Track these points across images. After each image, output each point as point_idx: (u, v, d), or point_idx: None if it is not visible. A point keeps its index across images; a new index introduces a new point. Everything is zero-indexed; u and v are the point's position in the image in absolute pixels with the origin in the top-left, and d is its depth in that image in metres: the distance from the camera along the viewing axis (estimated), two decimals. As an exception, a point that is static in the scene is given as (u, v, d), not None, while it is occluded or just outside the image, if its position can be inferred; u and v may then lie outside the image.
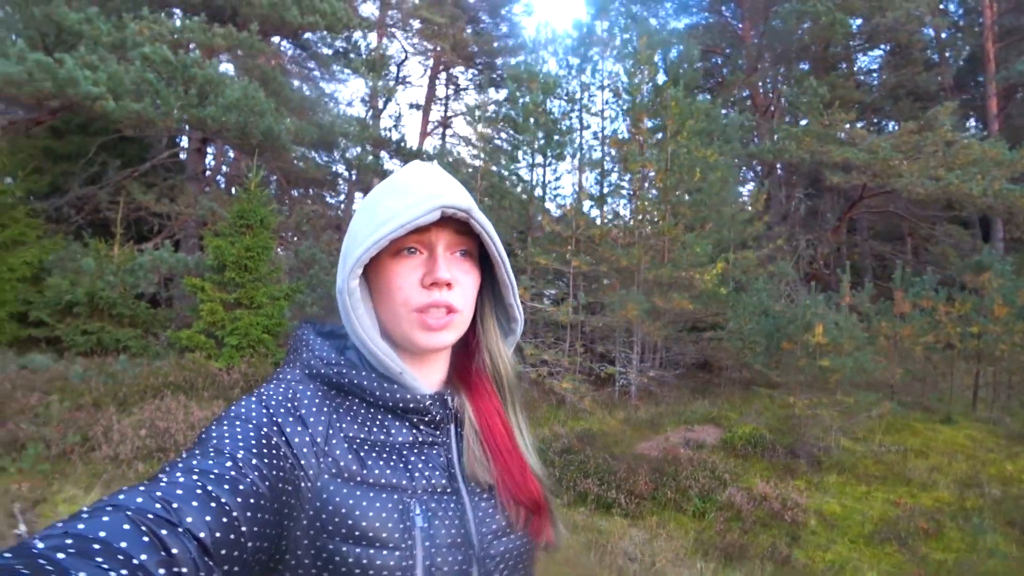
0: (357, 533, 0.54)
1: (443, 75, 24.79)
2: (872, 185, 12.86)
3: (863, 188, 14.12)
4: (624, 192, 7.96)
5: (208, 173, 13.22)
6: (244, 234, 7.42)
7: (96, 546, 0.36)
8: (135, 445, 3.93)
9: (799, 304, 6.63)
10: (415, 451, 0.62)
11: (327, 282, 9.13)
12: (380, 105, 18.16)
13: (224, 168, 14.79)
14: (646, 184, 7.59)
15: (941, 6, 18.45)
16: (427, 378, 0.66)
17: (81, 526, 0.38)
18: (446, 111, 25.97)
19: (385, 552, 0.54)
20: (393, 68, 23.14)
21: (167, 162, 12.01)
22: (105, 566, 0.35)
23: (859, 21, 17.13)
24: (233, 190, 12.10)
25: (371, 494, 0.56)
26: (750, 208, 10.56)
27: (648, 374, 7.01)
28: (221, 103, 7.79)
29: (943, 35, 18.79)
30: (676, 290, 6.43)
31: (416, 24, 20.18)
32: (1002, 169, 11.66)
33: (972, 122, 19.27)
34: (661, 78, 8.44)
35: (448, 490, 0.61)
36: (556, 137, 8.07)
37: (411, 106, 23.13)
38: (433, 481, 0.60)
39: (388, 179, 0.67)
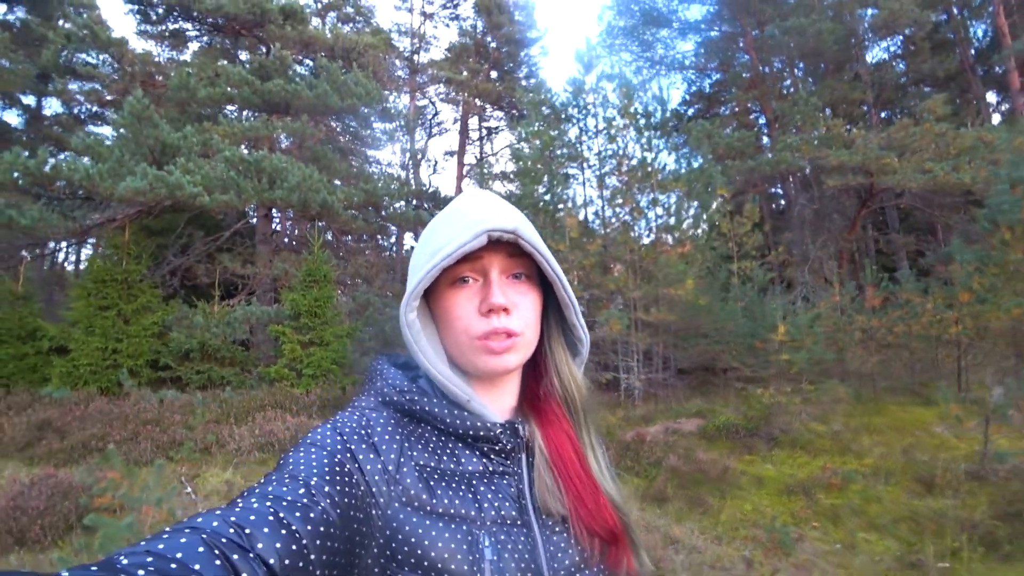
0: (426, 563, 0.54)
1: (475, 119, 27.09)
2: (867, 183, 13.65)
3: (871, 186, 14.87)
4: (614, 227, 9.37)
5: (275, 235, 15.57)
6: (312, 288, 9.37)
7: (173, 566, 0.38)
8: (250, 442, 5.70)
9: (767, 307, 7.84)
10: (485, 481, 0.61)
11: (381, 320, 10.94)
12: (418, 158, 20.41)
13: (288, 229, 17.21)
14: (631, 218, 9.00)
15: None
16: (496, 404, 0.66)
17: (161, 546, 0.40)
18: (481, 152, 28.17)
19: None
20: (427, 119, 25.60)
21: (241, 228, 14.41)
22: None
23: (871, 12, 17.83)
24: (299, 249, 14.30)
25: (440, 524, 0.56)
26: (746, 220, 11.68)
27: (641, 377, 8.32)
28: (286, 186, 9.86)
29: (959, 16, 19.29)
30: (657, 305, 7.78)
31: (440, 85, 22.53)
32: (998, 153, 12.32)
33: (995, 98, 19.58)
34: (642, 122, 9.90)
35: (519, 522, 0.60)
36: (556, 185, 9.64)
37: (446, 154, 25.41)
38: (503, 512, 0.59)
39: (444, 210, 0.68)
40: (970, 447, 5.59)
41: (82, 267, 17.51)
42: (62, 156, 11.23)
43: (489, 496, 0.60)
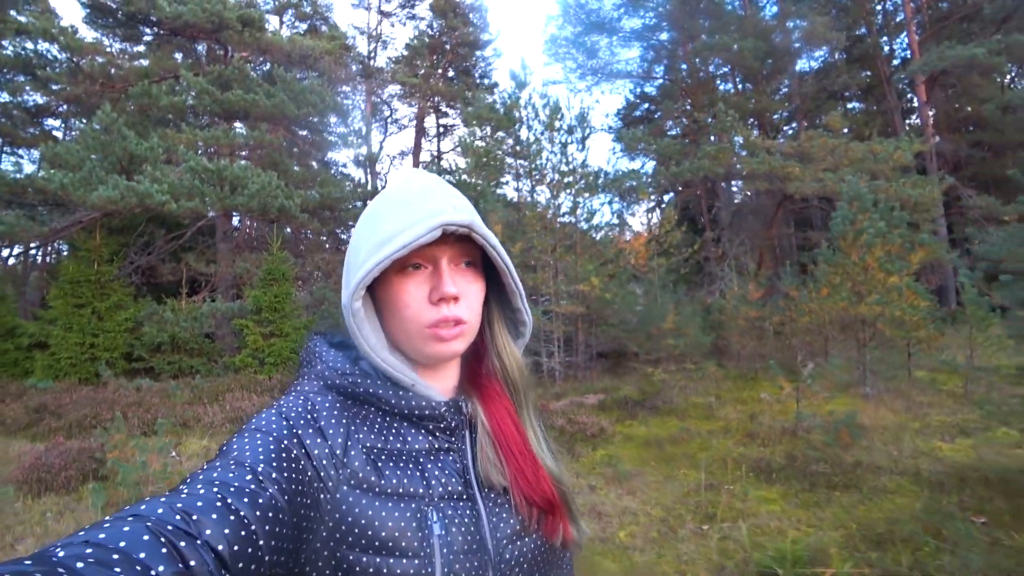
0: (376, 543, 0.55)
1: (432, 116, 28.13)
2: (772, 188, 15.45)
3: (781, 190, 16.69)
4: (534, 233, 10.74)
5: (236, 232, 16.42)
6: (272, 285, 10.48)
7: (115, 556, 0.36)
8: (221, 418, 6.88)
9: (661, 299, 9.38)
10: (431, 458, 0.63)
11: (336, 314, 12.08)
12: (374, 159, 21.41)
13: (248, 227, 18.03)
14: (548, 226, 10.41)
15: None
16: (439, 385, 0.67)
17: (102, 535, 0.38)
18: (439, 148, 29.20)
19: (404, 561, 0.55)
20: (384, 119, 26.49)
21: (203, 226, 15.24)
22: None
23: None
24: (259, 248, 15.25)
25: (389, 504, 0.57)
26: (664, 222, 13.27)
27: (560, 360, 9.78)
28: (247, 193, 10.88)
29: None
30: (569, 298, 9.22)
31: (396, 86, 23.51)
32: (883, 164, 14.25)
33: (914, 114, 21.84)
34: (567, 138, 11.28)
35: (464, 496, 0.62)
36: (490, 189, 10.95)
37: (400, 153, 26.41)
38: (449, 488, 0.61)
39: (387, 192, 0.67)
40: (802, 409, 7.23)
41: (47, 266, 17.95)
42: (21, 160, 11.85)
43: (436, 473, 0.61)
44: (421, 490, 0.60)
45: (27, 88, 17.72)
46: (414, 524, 0.57)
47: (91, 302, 9.87)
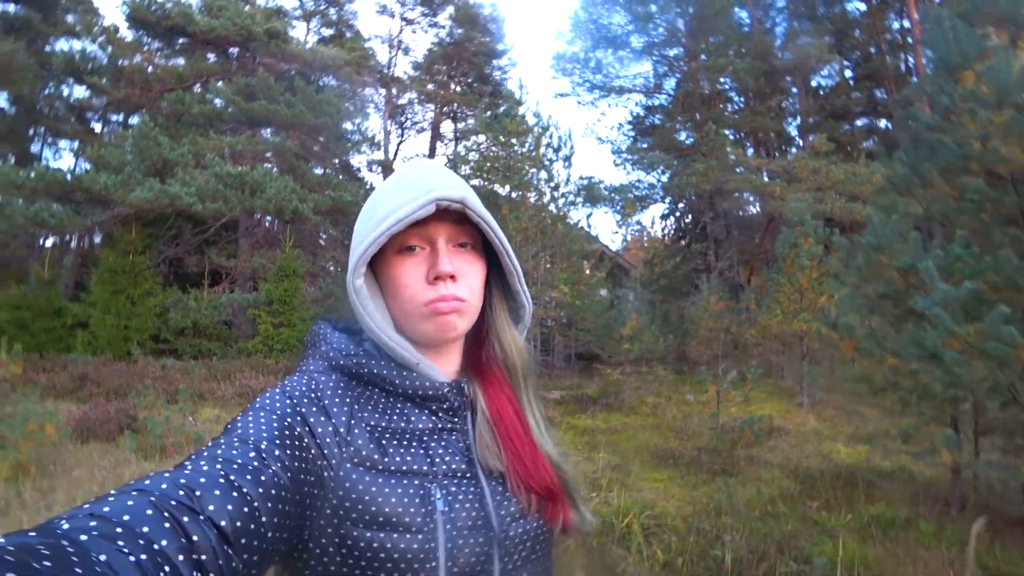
0: (380, 519, 0.56)
1: (449, 120, 29.35)
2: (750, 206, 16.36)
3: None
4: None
5: (256, 228, 17.83)
6: (283, 281, 11.78)
7: (119, 529, 0.37)
8: (231, 392, 8.16)
9: (623, 308, 10.44)
10: (435, 437, 0.63)
11: (341, 308, 13.32)
12: (388, 164, 22.71)
13: (268, 223, 19.45)
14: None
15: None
16: (442, 368, 0.68)
17: (106, 509, 0.39)
18: (455, 153, 30.40)
19: (408, 536, 0.56)
20: (402, 124, 27.78)
21: (227, 222, 16.66)
22: (126, 550, 0.36)
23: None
24: (276, 244, 16.62)
25: (392, 480, 0.58)
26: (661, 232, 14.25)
27: (536, 359, 10.88)
28: (265, 196, 12.19)
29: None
30: (543, 305, 10.32)
31: (413, 92, 24.81)
32: (863, 186, 15.07)
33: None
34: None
35: (468, 475, 0.63)
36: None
37: (416, 156, 27.72)
38: (453, 466, 0.62)
39: (388, 178, 0.70)
40: (727, 411, 8.25)
41: (81, 251, 19.58)
42: (62, 150, 13.23)
43: (440, 451, 0.62)
44: (425, 467, 0.60)
45: (70, 82, 19.09)
46: (417, 500, 0.57)
47: (126, 289, 11.29)
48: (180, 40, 18.83)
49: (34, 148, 20.89)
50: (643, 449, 6.58)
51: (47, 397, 6.94)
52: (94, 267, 12.27)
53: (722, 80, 20.75)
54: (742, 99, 22.25)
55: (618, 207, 17.97)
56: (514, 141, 12.75)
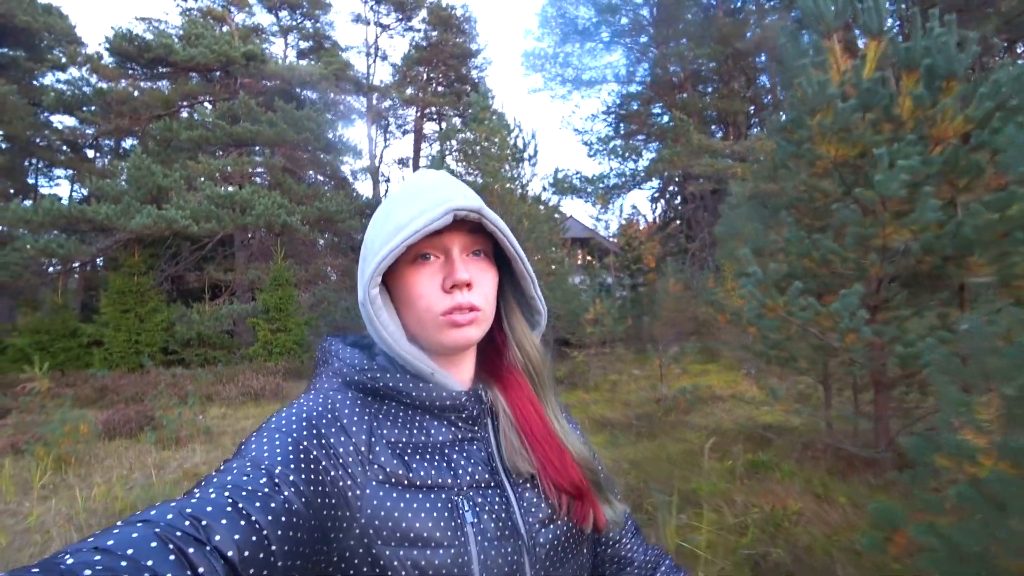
0: (412, 535, 0.55)
1: (433, 121, 30.19)
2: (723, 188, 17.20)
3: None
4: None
5: (251, 241, 18.82)
6: (278, 290, 12.76)
7: (123, 563, 0.36)
8: (235, 392, 9.15)
9: (588, 292, 11.39)
10: (456, 448, 0.63)
11: (333, 312, 14.32)
12: (376, 167, 23.64)
13: (261, 237, 20.44)
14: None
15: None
16: (457, 376, 0.67)
17: (110, 542, 0.38)
18: (441, 151, 31.24)
19: (441, 551, 0.55)
20: (383, 129, 28.63)
21: (223, 238, 17.64)
22: None
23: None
24: (270, 256, 17.61)
25: (419, 496, 0.57)
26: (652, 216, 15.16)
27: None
28: (254, 213, 13.15)
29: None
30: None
31: (392, 100, 25.69)
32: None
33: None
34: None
35: (492, 484, 0.63)
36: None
37: (400, 161, 28.60)
38: (476, 476, 0.62)
39: (398, 188, 0.69)
40: (676, 383, 9.22)
41: (84, 274, 20.59)
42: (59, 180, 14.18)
43: (462, 463, 0.62)
44: (449, 480, 0.60)
45: (60, 112, 19.88)
46: (446, 514, 0.57)
47: (133, 308, 12.30)
48: (162, 68, 19.73)
49: (30, 178, 21.90)
50: (587, 419, 7.53)
51: (74, 407, 7.91)
52: (100, 289, 13.28)
53: (693, 65, 21.55)
54: (710, 83, 23.08)
55: (592, 197, 18.90)
56: (484, 144, 13.66)
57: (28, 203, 12.46)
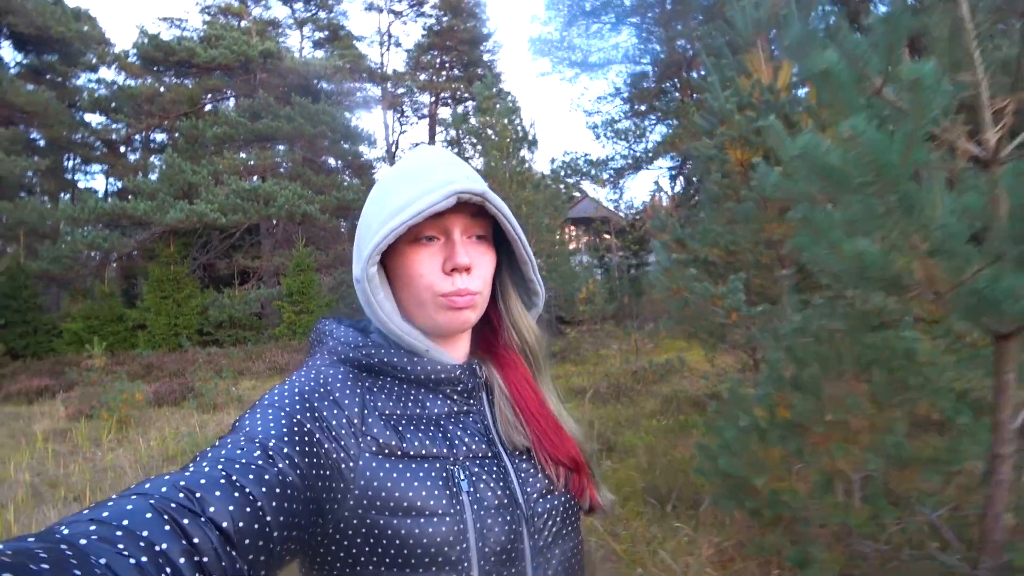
0: (406, 504, 0.56)
1: (448, 105, 30.89)
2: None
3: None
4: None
5: (275, 228, 20.05)
6: (300, 275, 13.92)
7: (119, 533, 0.37)
8: (263, 367, 10.35)
9: (585, 273, 12.25)
10: (452, 420, 0.63)
11: (351, 294, 15.42)
12: (393, 156, 24.60)
13: (285, 225, 21.71)
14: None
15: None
16: (452, 354, 0.67)
17: (105, 513, 0.38)
18: (458, 135, 32.01)
19: (436, 520, 0.56)
20: (398, 116, 29.46)
21: (249, 226, 18.92)
22: (126, 552, 0.36)
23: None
24: (293, 243, 18.84)
25: (413, 466, 0.58)
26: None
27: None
28: (276, 205, 14.27)
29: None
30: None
31: (407, 87, 26.51)
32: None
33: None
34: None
35: (489, 454, 0.63)
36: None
37: (414, 146, 29.49)
38: (473, 447, 0.62)
39: (397, 166, 0.68)
40: (655, 356, 10.07)
41: (121, 263, 22.19)
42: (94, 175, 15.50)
43: (459, 434, 0.62)
44: (445, 451, 0.60)
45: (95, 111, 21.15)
46: (440, 483, 0.57)
47: (172, 294, 13.62)
48: (187, 70, 20.90)
49: (67, 175, 23.41)
50: (564, 387, 8.43)
51: (127, 381, 9.18)
52: (137, 277, 14.67)
53: (698, 43, 21.76)
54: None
55: (598, 179, 19.55)
56: (488, 132, 14.46)
57: (68, 198, 13.80)
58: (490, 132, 14.11)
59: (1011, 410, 1.41)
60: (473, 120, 14.88)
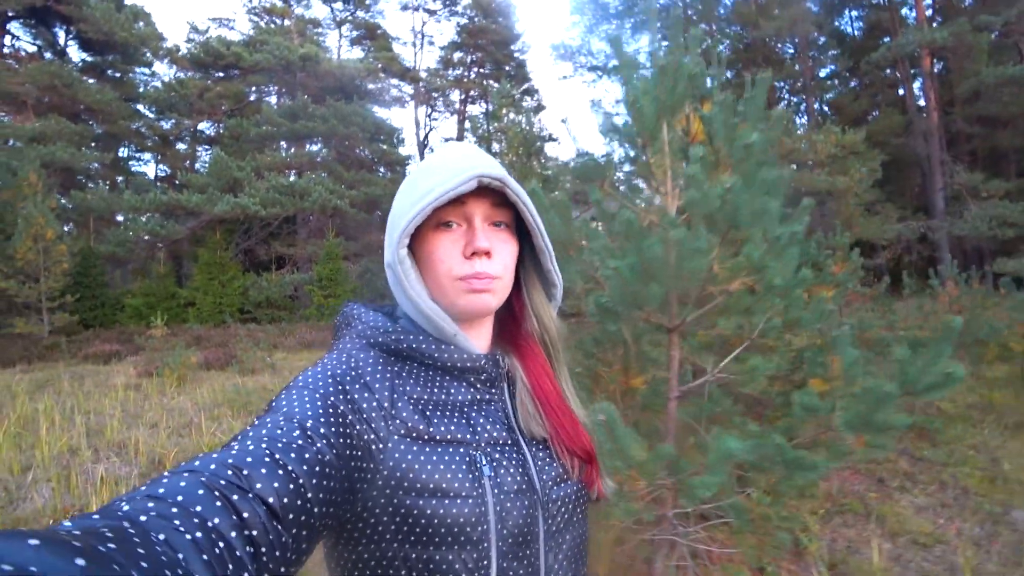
0: (431, 486, 0.58)
1: (477, 103, 32.20)
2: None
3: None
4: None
5: (311, 219, 21.83)
6: (330, 262, 15.55)
7: (174, 509, 0.39)
8: (294, 342, 11.97)
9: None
10: (475, 408, 0.66)
11: (375, 281, 17.01)
12: (424, 146, 26.12)
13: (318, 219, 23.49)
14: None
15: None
16: (475, 342, 0.69)
17: (161, 490, 0.41)
18: (488, 127, 33.34)
19: (459, 501, 0.58)
20: (428, 113, 30.90)
21: (287, 217, 20.72)
22: (182, 528, 0.38)
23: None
24: (325, 233, 20.56)
25: (439, 450, 0.60)
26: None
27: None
28: (312, 199, 15.90)
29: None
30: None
31: (439, 80, 27.96)
32: (809, 154, 17.06)
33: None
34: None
35: (509, 442, 0.65)
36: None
37: (445, 141, 30.88)
38: (495, 434, 0.65)
39: (425, 160, 0.71)
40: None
41: (170, 245, 24.36)
42: (146, 162, 17.41)
43: (481, 421, 0.64)
44: (468, 436, 0.62)
45: (151, 107, 23.17)
46: (464, 467, 0.60)
47: (217, 276, 15.43)
48: (233, 69, 22.74)
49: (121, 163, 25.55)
50: None
51: (183, 348, 10.91)
52: (184, 260, 16.58)
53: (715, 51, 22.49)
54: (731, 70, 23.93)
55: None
56: (502, 135, 15.74)
57: (121, 181, 15.67)
58: (505, 134, 15.42)
59: (676, 376, 2.67)
60: (494, 124, 16.28)
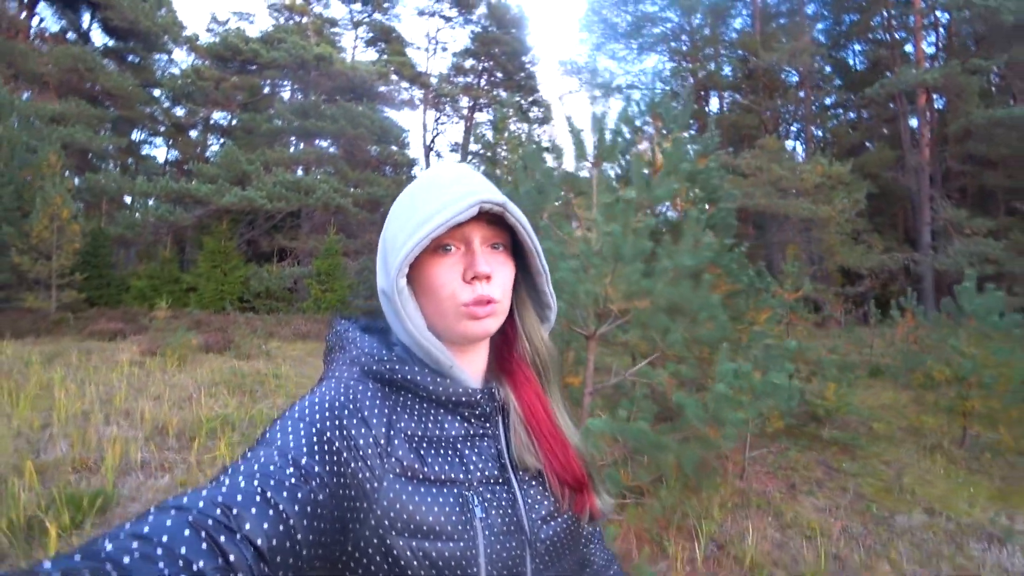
0: (424, 527, 0.57)
1: (483, 111, 32.84)
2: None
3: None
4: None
5: (314, 213, 22.45)
6: (329, 258, 16.16)
7: (159, 550, 0.39)
8: (290, 333, 12.56)
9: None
10: (468, 444, 0.65)
11: (371, 278, 17.50)
12: (429, 150, 26.78)
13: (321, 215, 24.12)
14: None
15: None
16: (471, 368, 0.69)
17: (146, 529, 0.40)
18: (493, 139, 34.01)
19: (451, 544, 0.58)
20: (436, 118, 31.57)
21: (290, 212, 21.35)
22: (166, 572, 0.37)
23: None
24: (326, 229, 21.17)
25: (433, 490, 0.59)
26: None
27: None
28: (316, 196, 16.53)
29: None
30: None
31: (448, 87, 28.66)
32: (795, 183, 17.61)
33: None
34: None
35: (500, 480, 0.65)
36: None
37: (453, 146, 31.55)
38: (486, 472, 0.64)
39: (419, 180, 0.69)
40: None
41: (175, 233, 24.97)
42: (158, 147, 18.03)
43: (473, 458, 0.64)
44: (461, 475, 0.62)
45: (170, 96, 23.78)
46: (457, 509, 0.59)
47: (220, 264, 16.05)
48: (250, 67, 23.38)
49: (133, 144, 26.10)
50: None
51: (184, 330, 11.50)
52: (188, 246, 17.17)
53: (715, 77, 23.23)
54: (729, 96, 24.62)
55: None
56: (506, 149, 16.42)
57: (131, 162, 16.27)
58: (508, 143, 16.06)
59: (591, 376, 3.27)
60: (494, 135, 16.91)
